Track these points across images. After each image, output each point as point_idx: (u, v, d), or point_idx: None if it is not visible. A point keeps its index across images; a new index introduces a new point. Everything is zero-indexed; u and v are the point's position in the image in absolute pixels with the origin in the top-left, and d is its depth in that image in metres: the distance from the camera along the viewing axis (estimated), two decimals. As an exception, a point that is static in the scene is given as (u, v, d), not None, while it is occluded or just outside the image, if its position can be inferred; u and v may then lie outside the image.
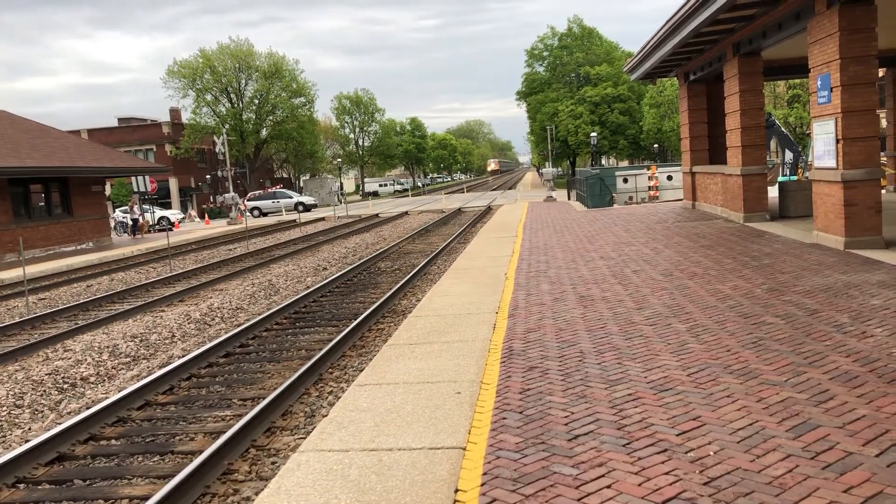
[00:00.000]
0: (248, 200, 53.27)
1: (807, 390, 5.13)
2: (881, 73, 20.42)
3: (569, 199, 39.20)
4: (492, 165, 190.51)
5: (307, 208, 53.20)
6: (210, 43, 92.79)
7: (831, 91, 11.62)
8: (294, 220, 41.32)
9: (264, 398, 7.58)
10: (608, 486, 3.89)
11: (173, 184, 64.45)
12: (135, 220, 38.03)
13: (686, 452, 4.25)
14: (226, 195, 47.48)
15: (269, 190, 60.58)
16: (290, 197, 55.35)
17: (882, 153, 20.13)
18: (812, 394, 5.05)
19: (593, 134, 64.48)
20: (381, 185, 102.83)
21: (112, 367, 10.06)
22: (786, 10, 13.14)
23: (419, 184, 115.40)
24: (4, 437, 7.58)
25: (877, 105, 11.54)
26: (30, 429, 7.78)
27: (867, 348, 6.01)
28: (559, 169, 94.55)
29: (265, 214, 52.67)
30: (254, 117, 67.93)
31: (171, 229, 39.53)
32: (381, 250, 21.41)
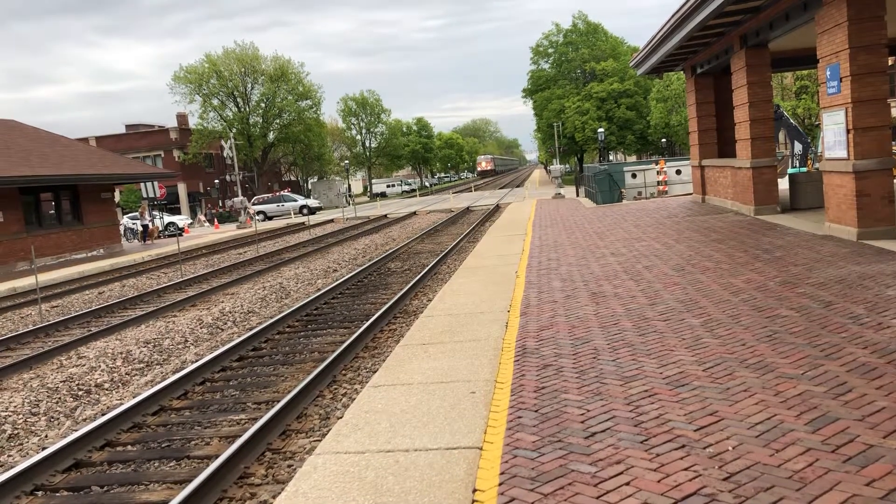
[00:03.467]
0: (252, 205, 53.45)
1: (824, 383, 5.09)
2: (891, 61, 20.27)
3: (577, 195, 39.11)
4: (482, 164, 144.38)
5: (312, 211, 53.37)
6: (218, 48, 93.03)
7: (841, 81, 11.54)
8: (303, 223, 41.40)
9: (279, 401, 7.59)
10: (627, 484, 3.86)
11: (182, 189, 64.66)
12: (145, 226, 38.18)
13: (704, 448, 4.22)
14: (234, 199, 47.63)
15: (277, 194, 60.71)
16: (295, 200, 55.62)
17: (894, 142, 20.00)
18: (830, 386, 5.01)
19: (601, 130, 64.27)
20: (388, 186, 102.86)
21: (126, 373, 10.09)
22: (792, 0, 13.06)
23: (427, 184, 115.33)
24: (21, 444, 7.62)
25: (887, 94, 11.45)
26: (46, 436, 7.81)
27: (884, 339, 5.96)
28: (567, 166, 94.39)
29: (270, 218, 52.88)
30: (261, 121, 68.10)
31: (180, 234, 39.68)
32: (390, 251, 21.41)
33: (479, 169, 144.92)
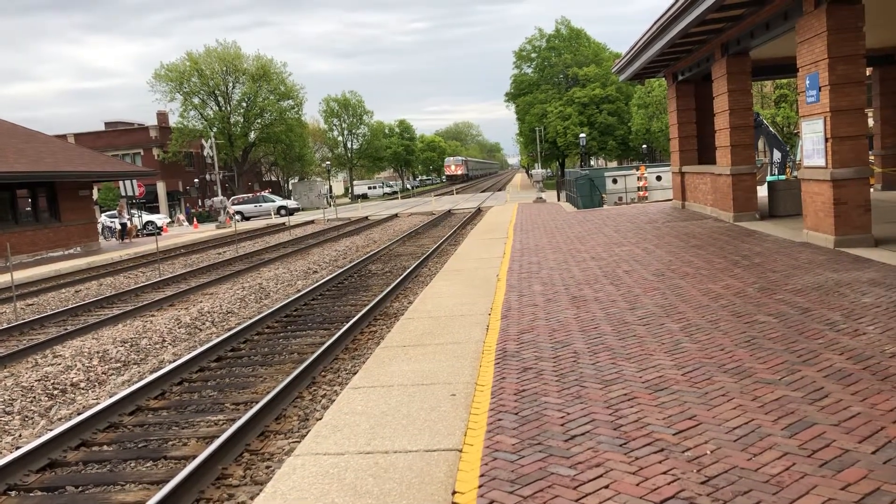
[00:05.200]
0: (231, 205, 53.26)
1: (801, 388, 5.14)
2: (868, 72, 20.54)
3: (558, 200, 39.27)
4: (451, 167, 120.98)
5: (290, 212, 53.31)
6: (200, 47, 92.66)
7: (820, 90, 11.67)
8: (283, 224, 41.21)
9: (257, 402, 7.54)
10: (606, 487, 3.88)
11: (161, 188, 64.18)
12: (123, 225, 37.83)
13: (683, 452, 4.24)
14: (214, 199, 47.37)
15: (257, 194, 60.46)
16: (273, 201, 55.65)
17: (870, 152, 20.26)
18: (807, 392, 5.06)
19: (582, 135, 64.62)
20: (370, 188, 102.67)
21: (102, 373, 9.99)
22: (773, 9, 13.20)
23: (408, 186, 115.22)
24: (-6, 444, 7.51)
25: (865, 104, 11.60)
26: (20, 435, 7.70)
27: (860, 346, 6.03)
28: (548, 170, 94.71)
29: (248, 219, 52.74)
30: (242, 120, 67.75)
31: (159, 233, 39.36)
32: (371, 253, 21.37)
33: (447, 173, 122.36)
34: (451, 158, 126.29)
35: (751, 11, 13.91)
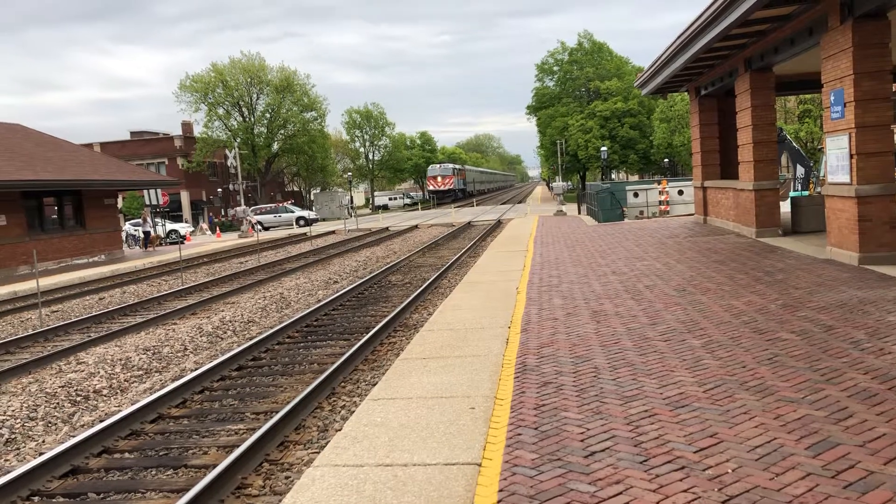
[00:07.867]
0: (251, 215, 53.68)
1: (825, 407, 5.08)
2: (895, 87, 20.34)
3: (579, 213, 39.18)
4: (438, 180, 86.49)
5: (308, 223, 53.66)
6: (227, 58, 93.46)
7: (845, 106, 11.58)
8: (304, 234, 41.45)
9: (277, 412, 7.58)
10: (626, 504, 3.86)
11: (185, 197, 64.79)
12: (147, 233, 38.21)
13: (704, 470, 4.21)
14: (237, 209, 47.77)
15: (280, 205, 60.90)
16: (292, 211, 56.17)
17: None
18: (830, 411, 5.01)
19: (604, 148, 64.49)
20: (390, 199, 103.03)
21: (125, 380, 10.08)
22: (798, 25, 13.14)
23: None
24: (19, 449, 7.60)
25: (891, 120, 11.50)
26: (44, 441, 7.79)
27: (885, 365, 5.96)
28: (569, 183, 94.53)
29: (267, 229, 53.13)
30: (265, 131, 68.35)
31: (182, 242, 39.71)
32: (391, 264, 21.42)
33: (430, 186, 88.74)
34: (438, 167, 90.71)
35: (775, 27, 13.86)
